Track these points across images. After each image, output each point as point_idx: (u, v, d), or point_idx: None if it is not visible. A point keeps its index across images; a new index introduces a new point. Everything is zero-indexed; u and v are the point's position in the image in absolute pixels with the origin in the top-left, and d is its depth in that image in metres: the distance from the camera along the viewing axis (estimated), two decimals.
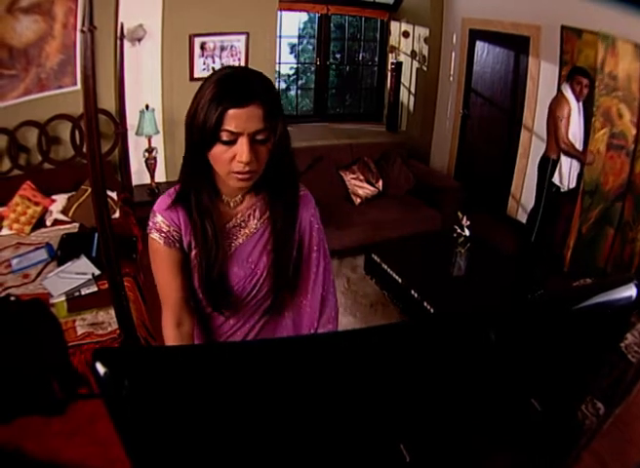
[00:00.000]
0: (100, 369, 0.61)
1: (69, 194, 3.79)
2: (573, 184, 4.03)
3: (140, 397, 0.63)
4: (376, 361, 0.71)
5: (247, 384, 0.66)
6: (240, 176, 1.18)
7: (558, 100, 3.89)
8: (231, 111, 1.11)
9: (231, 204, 1.34)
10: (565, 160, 3.95)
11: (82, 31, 1.89)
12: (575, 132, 3.89)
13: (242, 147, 1.13)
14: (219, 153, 1.16)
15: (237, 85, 1.13)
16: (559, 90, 3.93)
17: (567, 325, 0.83)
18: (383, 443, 0.78)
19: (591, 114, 3.87)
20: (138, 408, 0.63)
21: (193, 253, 1.33)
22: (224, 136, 1.13)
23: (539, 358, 0.84)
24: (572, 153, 3.92)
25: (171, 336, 1.39)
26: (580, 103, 3.87)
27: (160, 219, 1.31)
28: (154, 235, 1.31)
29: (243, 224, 1.35)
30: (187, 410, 0.64)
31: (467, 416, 0.84)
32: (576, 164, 3.98)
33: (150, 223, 1.32)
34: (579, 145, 3.92)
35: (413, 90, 5.86)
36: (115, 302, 2.40)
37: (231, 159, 1.16)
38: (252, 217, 1.35)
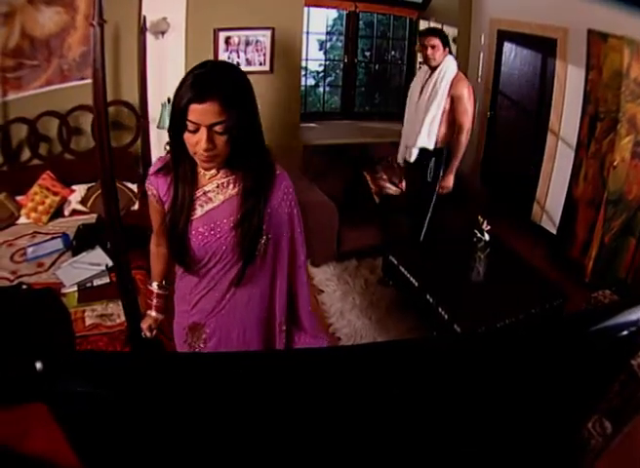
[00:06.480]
0: (38, 364, 0.68)
1: (89, 185, 3.83)
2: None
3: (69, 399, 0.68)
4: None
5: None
6: (203, 159, 1.39)
7: None
8: (192, 106, 1.30)
9: (207, 176, 1.53)
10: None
11: (91, 25, 1.88)
12: (420, 100, 3.62)
13: (201, 136, 1.33)
14: (186, 138, 1.37)
15: (198, 82, 1.31)
16: None
17: (573, 348, 0.82)
18: None
19: None
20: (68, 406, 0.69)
21: (168, 214, 1.58)
22: (189, 126, 1.33)
23: (541, 381, 0.83)
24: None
25: (153, 252, 1.84)
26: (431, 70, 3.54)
27: (148, 182, 1.61)
28: (147, 189, 1.62)
29: (214, 193, 1.53)
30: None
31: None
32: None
33: (146, 180, 1.63)
34: (420, 113, 3.60)
35: None
36: (122, 294, 2.40)
37: (196, 144, 1.36)
38: (223, 189, 1.53)
